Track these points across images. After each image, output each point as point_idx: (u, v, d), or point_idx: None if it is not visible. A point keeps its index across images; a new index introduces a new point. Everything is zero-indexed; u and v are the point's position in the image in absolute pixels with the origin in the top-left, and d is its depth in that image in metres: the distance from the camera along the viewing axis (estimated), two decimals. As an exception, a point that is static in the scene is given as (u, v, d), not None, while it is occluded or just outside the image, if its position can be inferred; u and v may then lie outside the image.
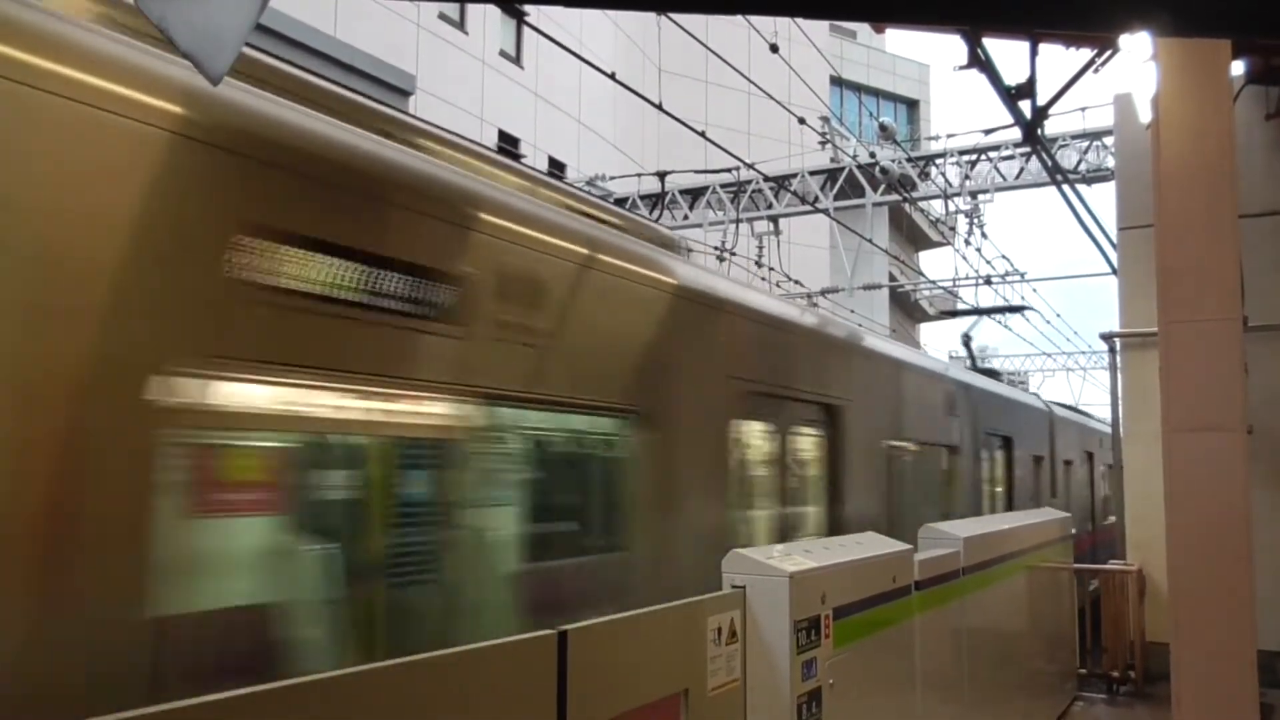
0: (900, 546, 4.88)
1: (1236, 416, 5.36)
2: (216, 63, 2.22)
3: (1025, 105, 7.87)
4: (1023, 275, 17.38)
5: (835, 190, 18.26)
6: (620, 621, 2.93)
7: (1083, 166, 15.72)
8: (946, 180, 16.98)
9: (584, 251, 3.84)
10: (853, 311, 17.91)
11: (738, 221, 16.97)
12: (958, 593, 5.63)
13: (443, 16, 18.43)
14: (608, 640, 2.81)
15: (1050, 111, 8.29)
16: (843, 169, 18.25)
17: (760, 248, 16.81)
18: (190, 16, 2.21)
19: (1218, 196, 5.41)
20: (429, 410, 3.11)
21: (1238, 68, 9.18)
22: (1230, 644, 5.26)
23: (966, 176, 16.90)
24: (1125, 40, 6.70)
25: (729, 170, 15.40)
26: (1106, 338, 11.79)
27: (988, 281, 17.17)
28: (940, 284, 20.96)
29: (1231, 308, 5.43)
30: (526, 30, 19.86)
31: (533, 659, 2.51)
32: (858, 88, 37.10)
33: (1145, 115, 6.80)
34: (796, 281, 16.88)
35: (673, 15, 7.81)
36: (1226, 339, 5.37)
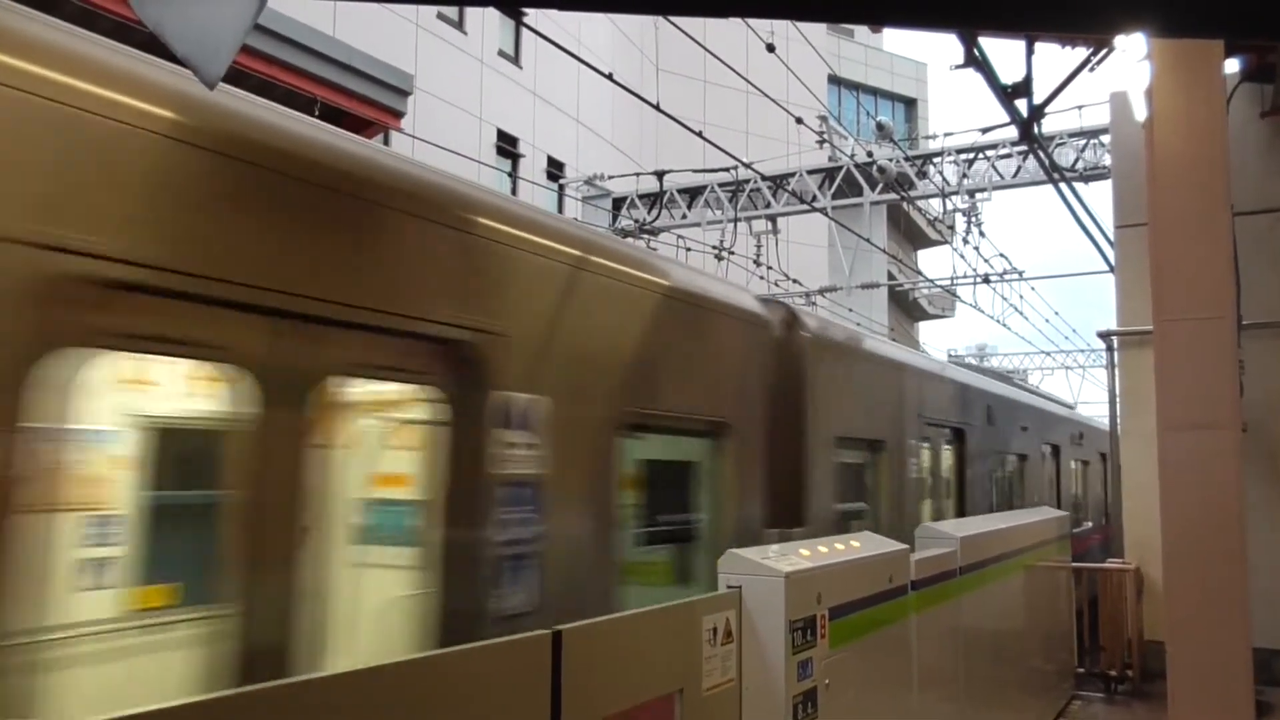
0: (897, 546, 4.90)
1: (1230, 414, 5.38)
2: (213, 67, 2.23)
3: (1022, 104, 7.89)
4: (1021, 273, 17.40)
5: (833, 189, 18.25)
6: (615, 621, 2.95)
7: (1080, 165, 15.70)
8: (944, 179, 16.97)
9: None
10: (851, 310, 17.94)
11: (735, 221, 16.96)
12: (954, 592, 5.65)
13: (441, 16, 18.43)
14: (602, 640, 2.83)
15: (1047, 110, 8.31)
16: (840, 168, 18.24)
17: (758, 247, 16.82)
18: (186, 20, 2.23)
19: (1211, 194, 5.42)
20: None
21: (1233, 65, 9.20)
22: (1225, 641, 5.28)
23: (964, 175, 16.88)
24: (1121, 39, 6.72)
25: (727, 169, 15.40)
26: (1104, 336, 11.81)
27: (986, 280, 17.18)
28: (938, 283, 20.98)
29: (1225, 305, 5.44)
30: (525, 30, 19.86)
31: (527, 658, 2.52)
32: (855, 86, 37.11)
33: (1141, 113, 6.82)
34: (795, 281, 16.90)
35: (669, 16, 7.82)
36: (1220, 337, 5.39)
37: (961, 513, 8.49)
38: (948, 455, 8.56)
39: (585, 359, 3.80)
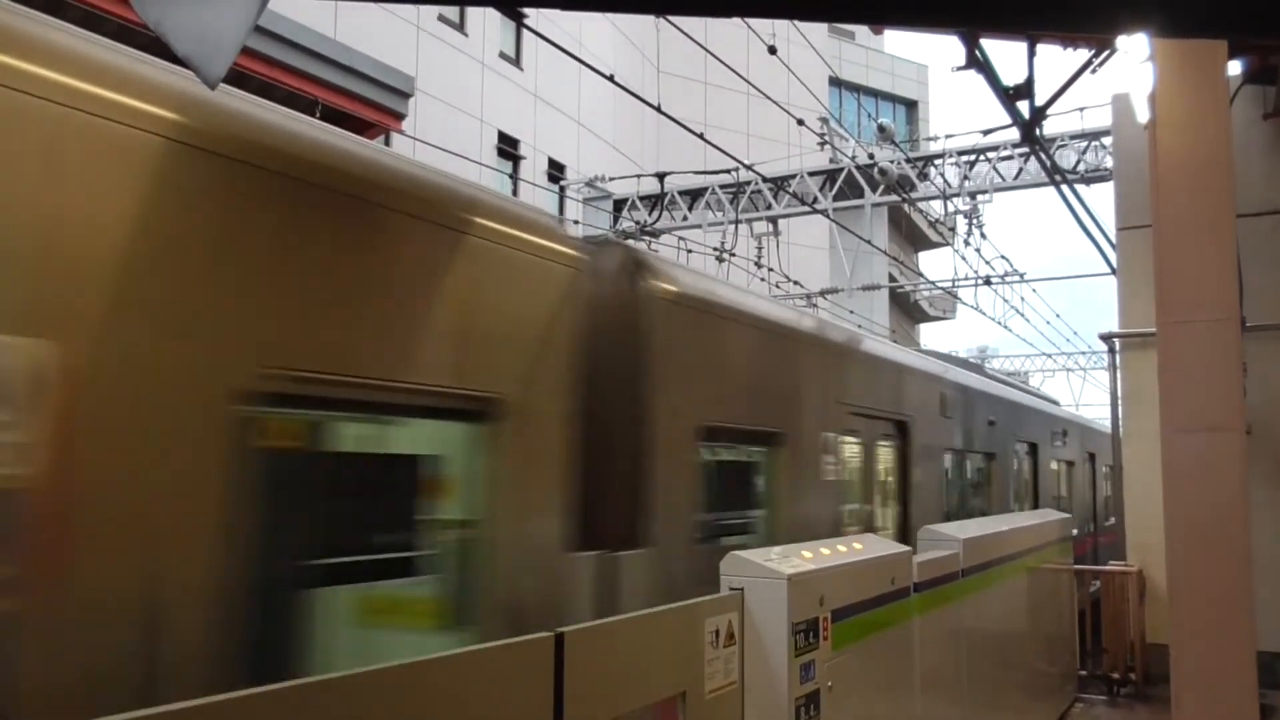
0: (899, 548, 4.88)
1: (1235, 416, 5.35)
2: (214, 67, 2.22)
3: (1023, 106, 7.88)
4: (1022, 275, 17.39)
5: (834, 191, 18.26)
6: (617, 623, 2.93)
7: (1081, 166, 15.70)
8: (945, 181, 16.98)
9: None
10: (852, 312, 17.93)
11: (737, 222, 16.98)
12: (957, 594, 5.63)
13: (442, 18, 18.44)
14: (605, 642, 2.81)
15: (1048, 112, 8.31)
16: (842, 170, 18.25)
17: (760, 248, 16.83)
18: (187, 20, 2.21)
19: (1215, 196, 5.40)
20: None
21: (1235, 67, 9.19)
22: (1229, 645, 5.25)
23: (965, 177, 16.89)
24: (1122, 41, 6.71)
25: (728, 171, 15.41)
26: (1106, 338, 11.79)
27: (987, 282, 17.17)
28: (939, 284, 20.97)
29: (1229, 307, 5.42)
30: (526, 32, 19.87)
31: (530, 661, 2.51)
32: (856, 88, 37.13)
33: (1143, 115, 6.80)
34: (796, 282, 16.90)
35: (671, 17, 7.82)
36: (1225, 339, 5.36)
37: (904, 523, 7.00)
38: (885, 453, 6.95)
39: (164, 285, 2.27)
